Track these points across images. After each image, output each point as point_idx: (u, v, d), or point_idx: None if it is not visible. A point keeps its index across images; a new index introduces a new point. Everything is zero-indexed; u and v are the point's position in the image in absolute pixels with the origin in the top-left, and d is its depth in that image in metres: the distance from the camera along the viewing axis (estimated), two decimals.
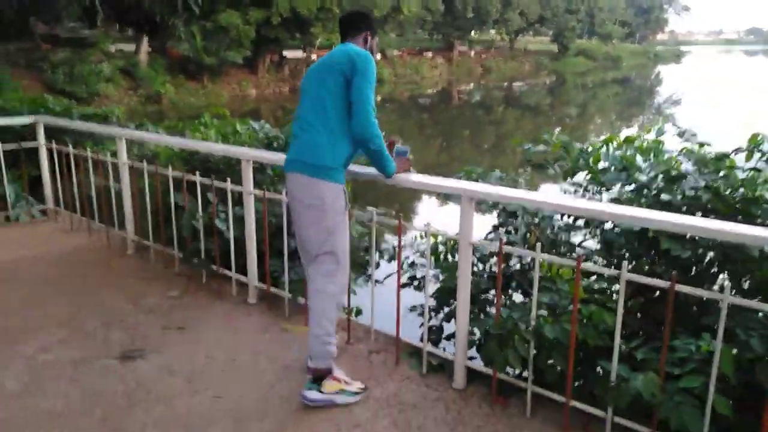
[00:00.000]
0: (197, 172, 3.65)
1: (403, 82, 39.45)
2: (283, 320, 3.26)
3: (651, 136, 3.21)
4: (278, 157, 3.56)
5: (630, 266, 2.42)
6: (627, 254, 2.71)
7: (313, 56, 36.36)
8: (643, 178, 2.89)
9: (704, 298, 2.30)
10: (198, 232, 3.73)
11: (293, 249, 3.36)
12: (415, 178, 2.60)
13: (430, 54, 46.52)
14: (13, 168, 5.20)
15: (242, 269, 3.59)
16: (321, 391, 2.44)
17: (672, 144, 3.13)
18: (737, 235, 1.94)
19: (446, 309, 3.03)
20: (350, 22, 2.60)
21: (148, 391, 2.57)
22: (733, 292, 2.09)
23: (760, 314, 2.11)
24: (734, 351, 2.00)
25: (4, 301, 3.50)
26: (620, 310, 2.08)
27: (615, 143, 3.10)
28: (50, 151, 5.01)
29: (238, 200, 3.48)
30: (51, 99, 7.58)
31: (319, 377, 2.47)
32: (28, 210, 5.18)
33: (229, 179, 3.46)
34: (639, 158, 3.04)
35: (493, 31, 53.70)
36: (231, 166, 4.17)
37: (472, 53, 51.79)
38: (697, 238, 2.47)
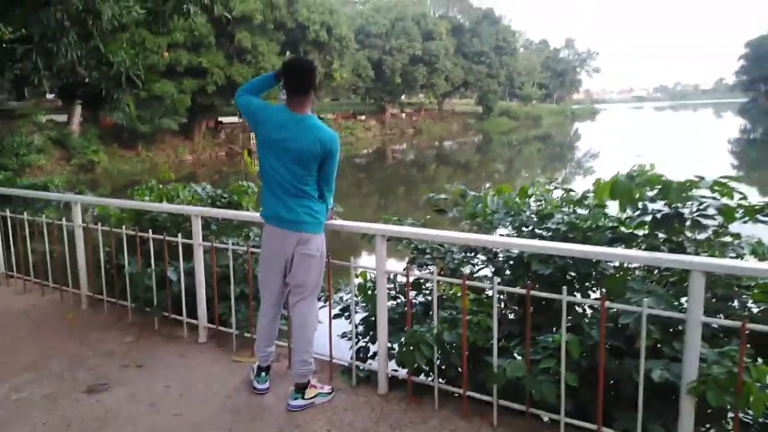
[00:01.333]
0: (150, 230, 4.14)
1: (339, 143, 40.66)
2: (232, 354, 3.73)
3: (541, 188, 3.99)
4: (223, 213, 4.13)
5: (513, 285, 3.10)
6: (509, 275, 3.39)
7: None
8: (522, 218, 3.63)
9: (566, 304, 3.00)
10: (149, 284, 4.18)
11: (238, 293, 3.90)
12: (338, 222, 3.23)
13: (363, 117, 48.34)
14: None
15: (191, 314, 4.05)
16: (304, 398, 3.00)
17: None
18: (578, 252, 2.67)
19: (371, 333, 3.61)
20: (300, 81, 2.87)
21: (116, 415, 2.98)
22: (578, 295, 2.79)
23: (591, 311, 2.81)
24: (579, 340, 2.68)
25: None
26: (495, 314, 2.74)
27: (498, 193, 3.85)
28: (2, 218, 5.34)
29: (184, 253, 3.97)
30: None
31: (301, 387, 3.03)
32: None
33: (179, 234, 3.98)
34: (531, 202, 3.78)
35: (422, 95, 56.51)
36: (177, 224, 4.65)
37: (404, 115, 54.19)
38: (557, 260, 3.19)
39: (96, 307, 4.64)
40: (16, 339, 4.05)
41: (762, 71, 70.29)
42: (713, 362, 2.29)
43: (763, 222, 3.00)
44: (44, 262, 5.05)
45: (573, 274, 3.20)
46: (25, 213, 5.08)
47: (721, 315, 2.67)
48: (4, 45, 8.01)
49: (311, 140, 2.83)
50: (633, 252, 2.72)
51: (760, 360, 2.33)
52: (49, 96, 28.87)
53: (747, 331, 2.18)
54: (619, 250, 2.76)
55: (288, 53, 34.66)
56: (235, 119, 37.19)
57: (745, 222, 3.07)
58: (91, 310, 4.63)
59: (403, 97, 54.45)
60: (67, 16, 7.22)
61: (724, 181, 2.68)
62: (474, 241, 3.03)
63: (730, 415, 2.39)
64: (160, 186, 5.25)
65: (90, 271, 4.71)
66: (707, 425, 2.60)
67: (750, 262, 2.62)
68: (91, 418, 2.96)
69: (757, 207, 3.00)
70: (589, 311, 3.07)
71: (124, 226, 4.37)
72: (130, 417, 2.96)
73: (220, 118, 35.37)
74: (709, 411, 2.45)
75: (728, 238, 3.07)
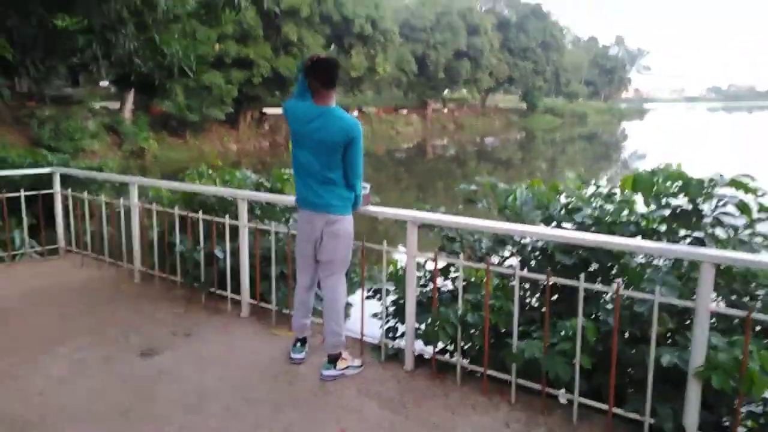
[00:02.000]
0: (200, 211, 4.46)
1: (379, 137, 40.99)
2: (271, 327, 4.01)
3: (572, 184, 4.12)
4: (268, 197, 4.41)
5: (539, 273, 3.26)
6: (535, 265, 3.55)
7: None
8: (550, 211, 3.78)
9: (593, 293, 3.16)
10: (198, 261, 4.51)
11: (278, 273, 4.19)
12: (373, 209, 3.46)
13: (405, 111, 48.48)
14: (11, 215, 5.87)
15: (234, 290, 4.35)
16: (336, 368, 3.26)
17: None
18: (597, 242, 2.83)
19: (400, 314, 3.82)
20: (325, 76, 3.06)
21: (166, 375, 3.30)
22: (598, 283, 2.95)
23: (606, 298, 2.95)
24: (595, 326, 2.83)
25: (38, 317, 4.21)
26: (516, 298, 2.92)
27: (529, 187, 4.00)
28: (64, 197, 5.78)
29: (230, 234, 4.28)
30: (49, 155, 8.42)
31: (334, 359, 3.28)
32: (38, 250, 5.89)
33: (227, 216, 4.28)
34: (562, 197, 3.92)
35: (464, 90, 56.19)
36: (224, 207, 4.97)
37: (446, 110, 54.05)
38: (580, 252, 3.34)
39: (147, 282, 5.01)
40: (76, 307, 4.44)
41: None
42: (720, 349, 2.42)
43: None
44: (101, 239, 5.45)
45: (595, 265, 3.35)
46: (85, 193, 5.50)
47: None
48: (66, 35, 8.52)
49: (336, 129, 3.06)
50: (645, 242, 2.85)
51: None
52: (103, 83, 30.18)
53: (752, 321, 2.30)
54: (632, 240, 2.89)
55: (333, 46, 35.10)
56: (278, 110, 37.91)
57: None
58: (143, 284, 5.00)
59: (446, 92, 54.30)
60: (126, 8, 7.67)
61: (741, 179, 2.78)
62: (498, 228, 3.21)
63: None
64: (210, 171, 5.57)
65: (144, 248, 5.08)
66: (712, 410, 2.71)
67: (756, 255, 2.72)
68: (144, 377, 3.28)
69: None
70: (608, 301, 3.21)
71: (177, 207, 4.71)
72: (179, 377, 3.27)
73: (264, 109, 36.11)
74: (714, 398, 2.58)
75: (747, 236, 3.15)
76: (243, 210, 4.18)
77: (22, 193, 5.52)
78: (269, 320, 4.11)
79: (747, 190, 2.76)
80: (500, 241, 3.81)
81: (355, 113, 42.27)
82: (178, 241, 4.65)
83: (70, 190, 5.75)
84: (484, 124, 54.61)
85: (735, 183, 2.76)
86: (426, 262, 3.83)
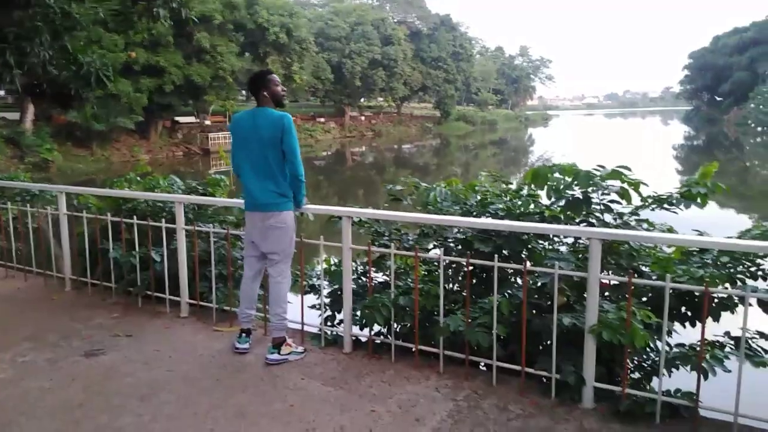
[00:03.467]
0: (134, 216, 4.57)
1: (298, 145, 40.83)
2: (212, 325, 4.20)
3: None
4: (204, 200, 4.59)
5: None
6: (456, 254, 3.98)
7: (207, 121, 37.06)
8: (467, 205, 4.23)
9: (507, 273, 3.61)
10: (133, 266, 4.60)
11: (217, 273, 4.38)
12: (310, 206, 3.76)
13: (322, 119, 48.67)
14: None
15: (172, 292, 4.48)
16: (279, 353, 3.50)
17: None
18: (505, 226, 3.29)
19: (337, 303, 4.13)
20: (251, 86, 3.57)
21: (115, 372, 3.43)
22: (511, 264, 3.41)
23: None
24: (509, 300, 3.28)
25: None
26: (441, 280, 3.33)
27: (447, 185, 4.44)
28: None
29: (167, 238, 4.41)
30: None
31: (278, 344, 3.54)
32: None
33: (163, 219, 4.42)
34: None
35: (381, 98, 57.24)
36: (154, 212, 5.06)
37: (363, 118, 54.77)
38: (495, 239, 3.79)
39: (80, 290, 5.01)
40: (9, 317, 4.40)
41: (704, 81, 73.95)
42: (610, 311, 2.93)
43: (668, 210, 3.67)
44: (26, 250, 5.37)
45: (507, 252, 3.82)
46: (8, 203, 5.40)
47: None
48: None
49: (268, 124, 3.45)
50: (544, 225, 3.36)
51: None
52: None
53: (633, 286, 2.82)
54: (533, 224, 3.38)
55: (247, 54, 34.80)
56: (191, 119, 37.02)
57: (653, 210, 3.75)
58: (75, 292, 5.00)
59: (362, 100, 55.10)
60: (41, 17, 7.49)
61: (619, 170, 3.32)
62: (423, 219, 3.64)
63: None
64: (139, 179, 5.63)
65: (74, 256, 5.08)
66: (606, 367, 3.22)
67: (627, 230, 3.27)
68: (93, 374, 3.40)
69: (663, 197, 3.68)
70: (520, 283, 3.68)
71: (109, 214, 4.77)
72: (129, 372, 3.41)
73: (176, 118, 35.16)
74: (608, 353, 3.08)
75: (632, 221, 3.72)
76: (180, 213, 4.34)
77: None
78: (210, 319, 4.29)
79: (623, 179, 3.31)
80: (425, 234, 4.22)
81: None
82: (111, 247, 4.71)
83: None
84: (401, 131, 55.84)
85: (615, 174, 3.30)
86: (359, 256, 4.18)
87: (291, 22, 34.27)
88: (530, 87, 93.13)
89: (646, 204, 3.70)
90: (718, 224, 3.92)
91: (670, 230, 3.60)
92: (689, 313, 3.30)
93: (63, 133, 27.39)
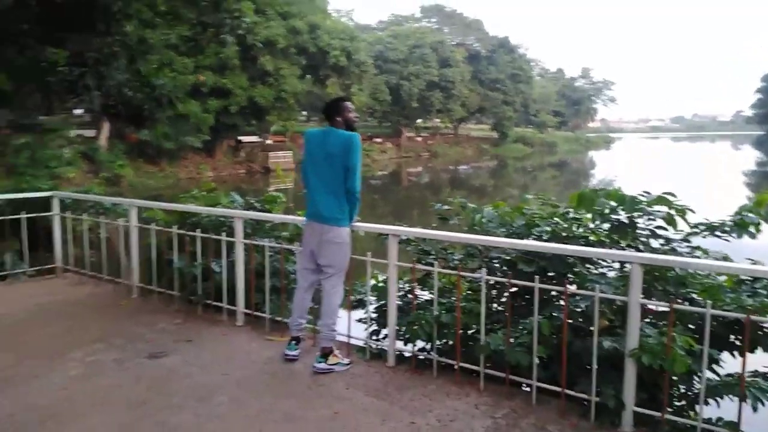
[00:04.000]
0: (198, 230, 4.89)
1: None
2: (265, 334, 4.42)
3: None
4: (261, 216, 4.84)
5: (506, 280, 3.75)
6: (501, 275, 4.05)
7: (268, 141, 38.31)
8: (513, 227, 4.31)
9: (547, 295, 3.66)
10: (195, 276, 4.90)
11: (271, 286, 4.61)
12: (359, 224, 3.94)
13: (380, 139, 49.30)
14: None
15: (230, 302, 4.75)
16: (327, 363, 3.69)
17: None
18: (546, 248, 3.35)
19: (383, 319, 4.27)
20: (326, 112, 3.85)
21: (176, 373, 3.69)
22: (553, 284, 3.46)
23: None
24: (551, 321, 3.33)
25: (45, 329, 4.55)
26: (483, 298, 3.41)
27: (494, 207, 4.53)
28: (62, 219, 6.13)
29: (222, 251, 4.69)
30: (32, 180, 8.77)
31: (326, 354, 3.72)
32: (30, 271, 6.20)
33: (224, 233, 4.71)
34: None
35: (437, 120, 57.50)
36: (215, 226, 5.38)
37: (419, 139, 55.10)
38: (539, 261, 3.85)
39: (146, 297, 5.37)
40: (80, 320, 4.78)
41: None
42: (651, 335, 2.94)
43: (719, 237, 3.65)
44: (98, 259, 5.81)
45: (552, 273, 3.87)
46: (84, 215, 5.86)
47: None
48: (57, 67, 8.90)
49: (336, 141, 3.68)
50: (583, 248, 3.39)
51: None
52: (77, 111, 30.27)
53: (676, 312, 2.83)
54: (573, 247, 3.41)
55: (309, 77, 35.87)
56: (254, 138, 38.35)
57: (704, 237, 3.73)
58: (141, 299, 5.36)
59: (419, 121, 55.53)
60: (119, 44, 8.14)
61: (665, 196, 3.34)
62: (467, 239, 3.75)
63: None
64: (203, 194, 5.99)
65: (142, 265, 5.45)
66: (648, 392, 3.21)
67: (668, 256, 3.26)
68: (156, 375, 3.67)
69: (715, 224, 3.66)
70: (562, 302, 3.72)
71: (174, 227, 5.11)
72: (187, 375, 3.66)
73: (240, 137, 36.51)
74: (649, 378, 3.08)
75: (683, 247, 3.69)
76: (239, 228, 4.61)
77: (24, 216, 5.85)
78: (263, 328, 4.51)
79: (670, 206, 3.32)
80: (470, 254, 4.32)
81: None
82: (176, 257, 5.04)
83: (69, 212, 6.10)
84: (457, 152, 55.80)
85: (661, 200, 3.32)
86: (405, 272, 4.32)
87: (351, 45, 35.12)
88: (592, 109, 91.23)
89: (698, 231, 3.69)
90: None
91: (726, 258, 3.55)
92: (737, 342, 3.26)
93: (135, 150, 28.91)
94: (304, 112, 46.85)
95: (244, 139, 37.13)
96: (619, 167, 44.98)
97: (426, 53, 48.23)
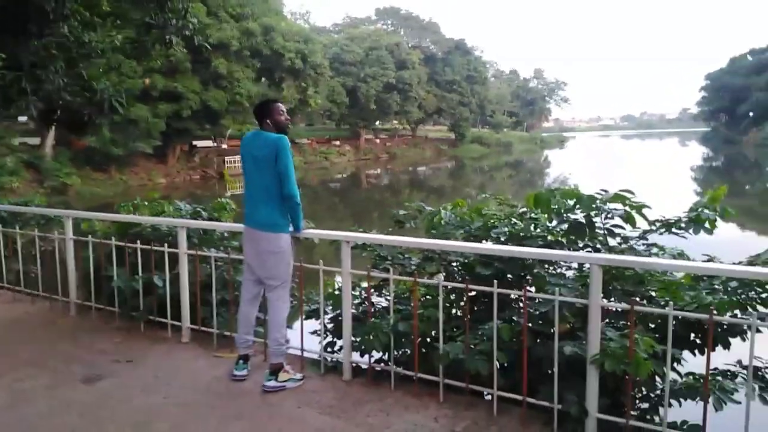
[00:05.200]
0: (137, 241, 4.58)
1: (313, 168, 41.19)
2: (213, 351, 4.16)
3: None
4: (206, 224, 4.58)
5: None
6: (459, 278, 3.91)
7: (224, 145, 37.55)
8: (471, 229, 4.18)
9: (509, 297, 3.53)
10: (136, 291, 4.59)
11: (219, 299, 4.35)
12: (309, 231, 3.73)
13: (338, 142, 49.03)
14: None
15: (174, 317, 4.46)
16: (277, 380, 3.45)
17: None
18: (503, 251, 3.22)
19: (337, 330, 4.07)
20: (256, 114, 3.66)
21: (111, 398, 3.40)
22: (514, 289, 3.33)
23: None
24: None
25: None
26: (441, 305, 3.26)
27: (453, 207, 4.39)
28: None
29: (170, 263, 4.41)
30: None
31: (275, 371, 3.48)
32: None
33: (166, 244, 4.42)
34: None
35: (395, 122, 57.58)
36: (160, 237, 5.07)
37: (378, 141, 55.07)
38: (496, 264, 3.72)
39: (84, 314, 5.02)
40: (12, 341, 4.41)
41: (721, 102, 73.51)
42: (613, 339, 2.83)
43: (676, 234, 3.59)
44: (33, 274, 5.42)
45: (510, 277, 3.74)
46: (17, 227, 5.46)
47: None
48: None
49: (264, 145, 3.47)
50: (542, 250, 3.27)
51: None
52: (21, 119, 28.97)
53: (637, 313, 2.73)
54: (531, 249, 3.29)
55: (263, 79, 35.31)
56: (209, 143, 37.53)
57: (661, 234, 3.66)
58: (79, 317, 5.01)
59: (377, 123, 55.44)
60: (56, 46, 7.66)
61: (622, 194, 3.25)
62: (421, 244, 3.59)
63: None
64: (145, 203, 5.67)
65: (79, 280, 5.10)
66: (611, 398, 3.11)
67: (627, 256, 3.18)
68: (89, 401, 3.37)
69: (671, 221, 3.60)
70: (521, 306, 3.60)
71: (113, 238, 4.78)
72: (125, 399, 3.38)
73: (194, 142, 35.65)
74: (612, 384, 2.98)
75: (640, 245, 3.62)
76: (182, 238, 4.34)
77: None
78: (211, 344, 4.25)
79: (626, 203, 3.23)
80: (428, 258, 4.16)
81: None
82: (115, 272, 4.71)
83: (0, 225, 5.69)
84: (416, 153, 55.97)
85: (617, 197, 3.23)
86: (359, 282, 4.13)
87: (306, 47, 34.73)
88: (545, 109, 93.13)
89: (654, 228, 3.63)
90: (738, 245, 3.80)
91: (681, 254, 3.49)
92: (698, 341, 3.19)
93: (82, 157, 27.88)
94: None
95: (199, 143, 36.32)
96: (573, 165, 45.91)
97: (382, 55, 48.20)
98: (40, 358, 4.04)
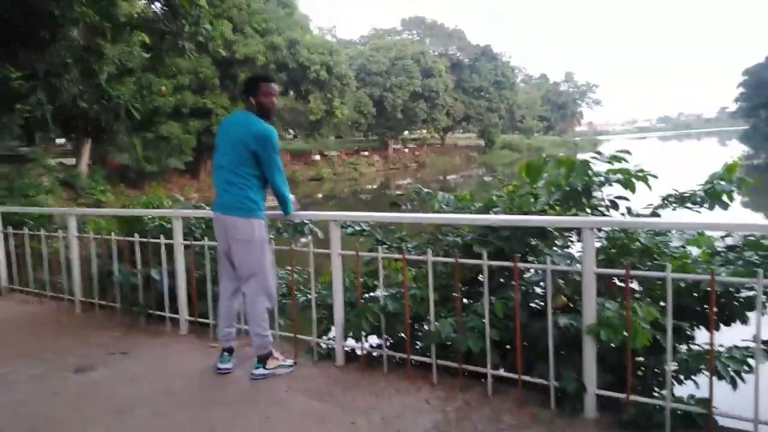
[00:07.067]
0: (135, 234, 4.55)
1: (342, 179, 41.30)
2: (210, 342, 4.07)
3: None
4: (201, 213, 4.51)
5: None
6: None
7: None
8: (469, 209, 4.00)
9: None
10: (137, 286, 4.55)
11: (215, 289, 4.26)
12: (300, 213, 3.62)
13: (366, 152, 49.10)
14: None
15: (173, 310, 4.39)
16: (265, 368, 3.32)
17: None
18: (494, 221, 3.05)
19: (331, 315, 3.93)
20: (242, 90, 3.47)
21: (98, 386, 3.33)
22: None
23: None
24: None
25: None
26: (431, 282, 3.09)
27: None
28: (5, 235, 5.78)
29: (169, 256, 4.35)
30: None
31: (263, 359, 3.34)
32: None
33: (162, 236, 4.37)
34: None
35: (424, 130, 57.42)
36: (164, 233, 5.03)
37: (406, 150, 54.94)
38: (494, 242, 3.53)
39: (89, 312, 5.00)
40: (13, 337, 4.42)
41: (760, 98, 70.93)
42: (609, 308, 2.62)
43: (690, 209, 3.35)
44: (41, 275, 5.45)
45: (508, 254, 3.55)
46: (25, 228, 5.51)
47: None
48: (11, 85, 8.57)
49: (243, 126, 3.28)
50: (534, 217, 3.08)
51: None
52: (59, 141, 29.99)
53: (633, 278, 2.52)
54: (523, 217, 3.13)
55: (290, 92, 35.69)
56: None
57: (674, 209, 3.43)
58: (84, 314, 4.99)
59: (405, 132, 55.38)
60: (69, 54, 7.82)
61: (619, 155, 3.04)
62: (407, 218, 3.47)
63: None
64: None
65: (83, 278, 5.09)
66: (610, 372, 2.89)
67: (626, 218, 2.96)
68: (77, 390, 3.31)
69: (686, 195, 3.37)
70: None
71: (113, 233, 4.76)
72: (110, 388, 3.31)
73: None
74: (611, 357, 2.76)
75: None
76: (178, 228, 4.28)
77: None
78: (208, 336, 4.16)
79: (624, 171, 3.01)
80: (427, 241, 4.00)
81: (317, 157, 42.68)
82: (116, 267, 4.69)
83: (10, 228, 5.75)
84: (445, 161, 55.64)
85: (614, 158, 3.02)
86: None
87: (331, 59, 34.96)
88: (577, 112, 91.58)
89: (667, 203, 3.40)
90: None
91: (702, 236, 3.25)
92: (715, 317, 2.94)
93: (116, 175, 28.56)
94: (291, 130, 46.63)
95: None
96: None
97: (408, 64, 48.20)
98: (35, 350, 4.02)
